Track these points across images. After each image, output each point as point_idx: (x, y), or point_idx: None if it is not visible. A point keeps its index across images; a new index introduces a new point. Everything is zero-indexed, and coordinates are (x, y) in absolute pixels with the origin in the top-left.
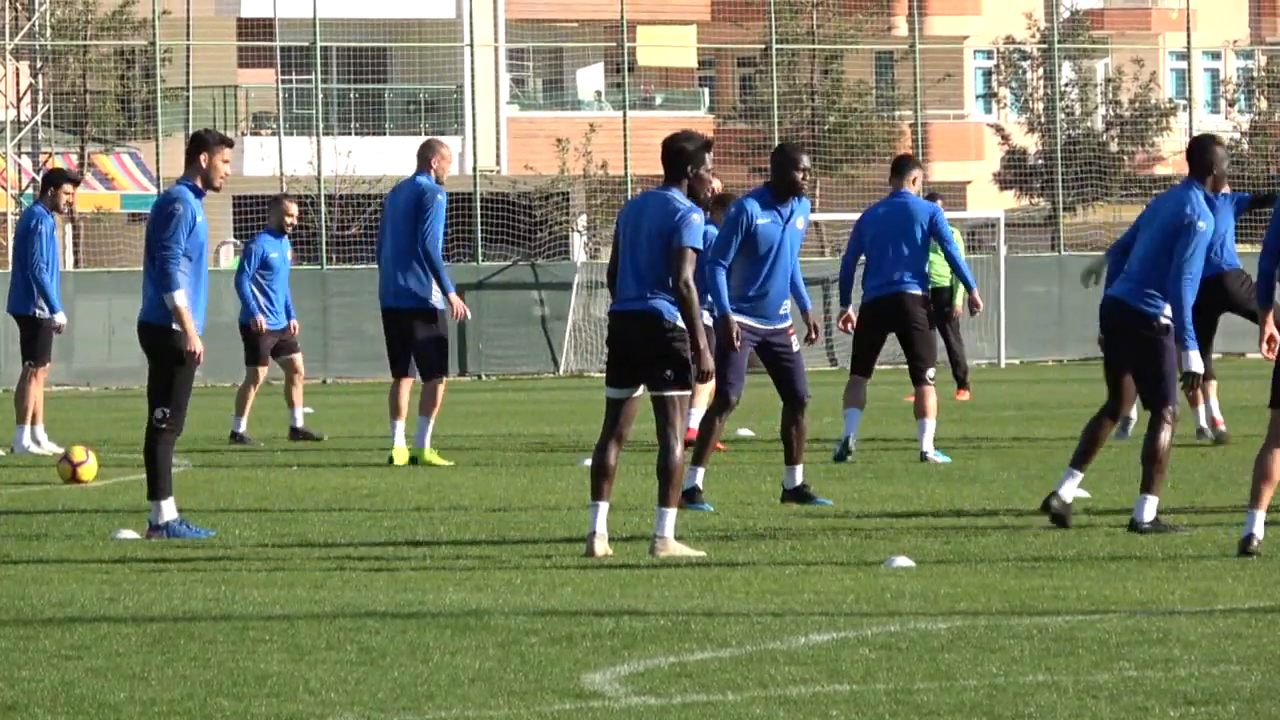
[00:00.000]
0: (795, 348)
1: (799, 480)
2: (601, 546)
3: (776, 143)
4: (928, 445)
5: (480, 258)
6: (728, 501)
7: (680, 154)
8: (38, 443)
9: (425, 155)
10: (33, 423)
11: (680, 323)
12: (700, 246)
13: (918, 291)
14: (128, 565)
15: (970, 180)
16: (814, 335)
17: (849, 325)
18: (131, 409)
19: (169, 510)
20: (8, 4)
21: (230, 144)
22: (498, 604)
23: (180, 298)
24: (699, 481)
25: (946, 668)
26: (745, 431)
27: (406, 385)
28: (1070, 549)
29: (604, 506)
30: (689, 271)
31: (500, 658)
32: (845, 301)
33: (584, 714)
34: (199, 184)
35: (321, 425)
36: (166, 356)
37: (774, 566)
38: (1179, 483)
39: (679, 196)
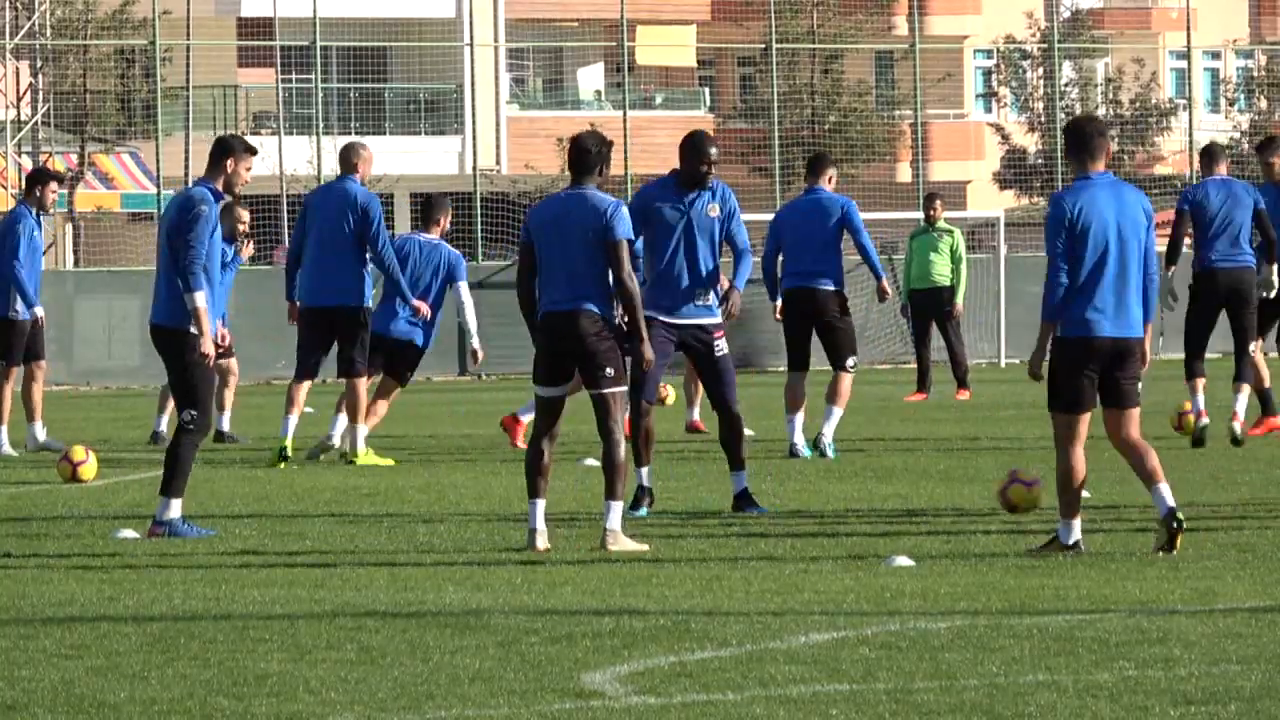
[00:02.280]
0: (722, 350)
1: (744, 485)
2: (542, 542)
3: (777, 143)
4: (828, 433)
5: (480, 257)
6: (727, 501)
7: (588, 153)
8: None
9: (350, 159)
10: None
11: (611, 319)
12: (633, 237)
13: (830, 286)
14: (128, 565)
15: (970, 180)
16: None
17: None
18: (131, 409)
19: (176, 509)
20: (8, 4)
21: (255, 152)
22: (498, 604)
23: (201, 298)
24: (646, 481)
25: (946, 667)
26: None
27: (305, 386)
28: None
29: (541, 504)
30: (627, 263)
31: (500, 657)
32: (774, 296)
33: (584, 714)
34: (219, 187)
35: (321, 425)
36: (180, 358)
37: (774, 566)
38: (1179, 482)
39: (599, 193)
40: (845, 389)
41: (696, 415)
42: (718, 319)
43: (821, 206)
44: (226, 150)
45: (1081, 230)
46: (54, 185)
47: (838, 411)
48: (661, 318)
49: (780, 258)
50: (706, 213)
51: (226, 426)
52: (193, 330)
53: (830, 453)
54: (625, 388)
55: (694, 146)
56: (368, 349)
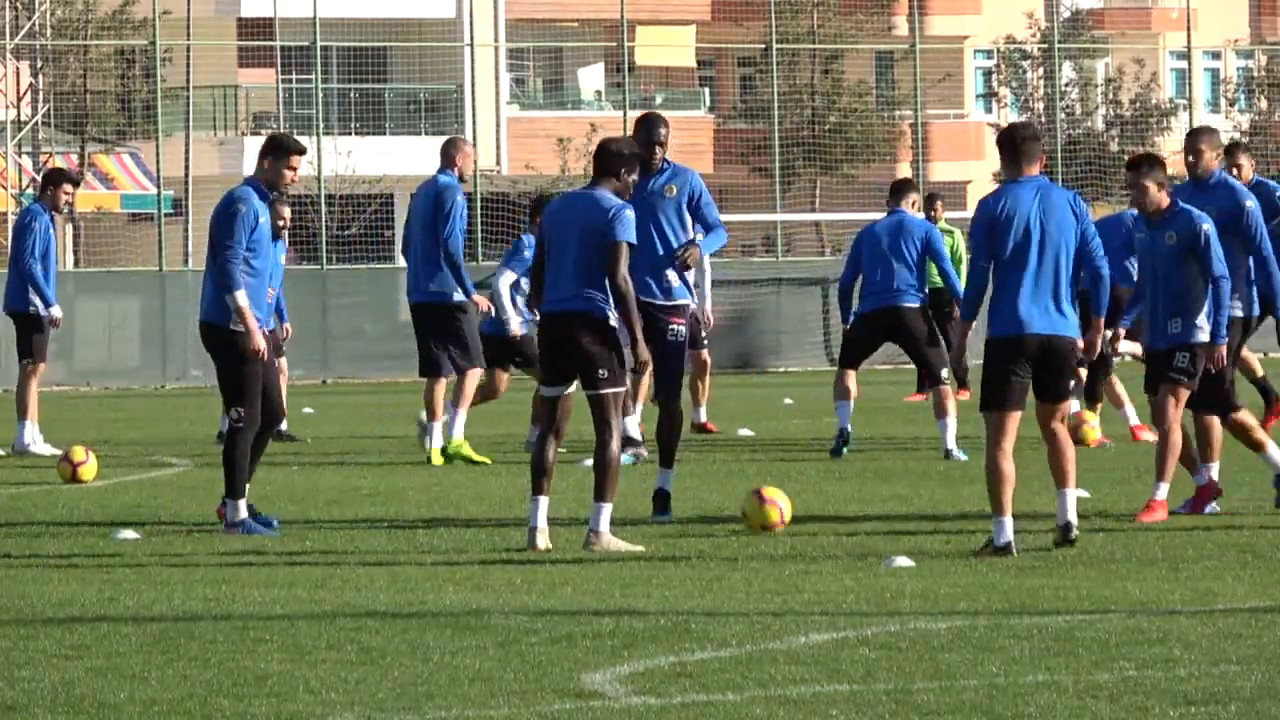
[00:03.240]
0: (675, 335)
1: (666, 485)
2: (543, 541)
3: (777, 143)
4: (950, 443)
5: (481, 257)
6: (727, 502)
7: (619, 156)
8: (34, 441)
9: (449, 152)
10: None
11: (612, 321)
12: (634, 241)
13: (915, 304)
14: (128, 565)
15: (970, 180)
16: None
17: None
18: (131, 409)
19: (243, 510)
20: (8, 4)
21: (303, 151)
22: (498, 604)
23: (241, 297)
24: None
25: (946, 668)
26: (744, 431)
27: (440, 386)
28: (1070, 549)
29: (544, 501)
30: (624, 265)
31: (500, 658)
32: (846, 319)
33: (584, 714)
34: (264, 186)
35: (322, 426)
36: (229, 355)
37: (774, 566)
38: (1179, 481)
39: (608, 195)
40: (946, 399)
41: (704, 415)
42: (677, 301)
43: (905, 228)
44: (265, 149)
45: (1002, 229)
46: (68, 186)
47: (951, 422)
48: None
49: (860, 279)
50: (664, 194)
51: (284, 425)
52: (236, 328)
53: (962, 455)
54: (622, 389)
55: (642, 130)
56: (469, 344)
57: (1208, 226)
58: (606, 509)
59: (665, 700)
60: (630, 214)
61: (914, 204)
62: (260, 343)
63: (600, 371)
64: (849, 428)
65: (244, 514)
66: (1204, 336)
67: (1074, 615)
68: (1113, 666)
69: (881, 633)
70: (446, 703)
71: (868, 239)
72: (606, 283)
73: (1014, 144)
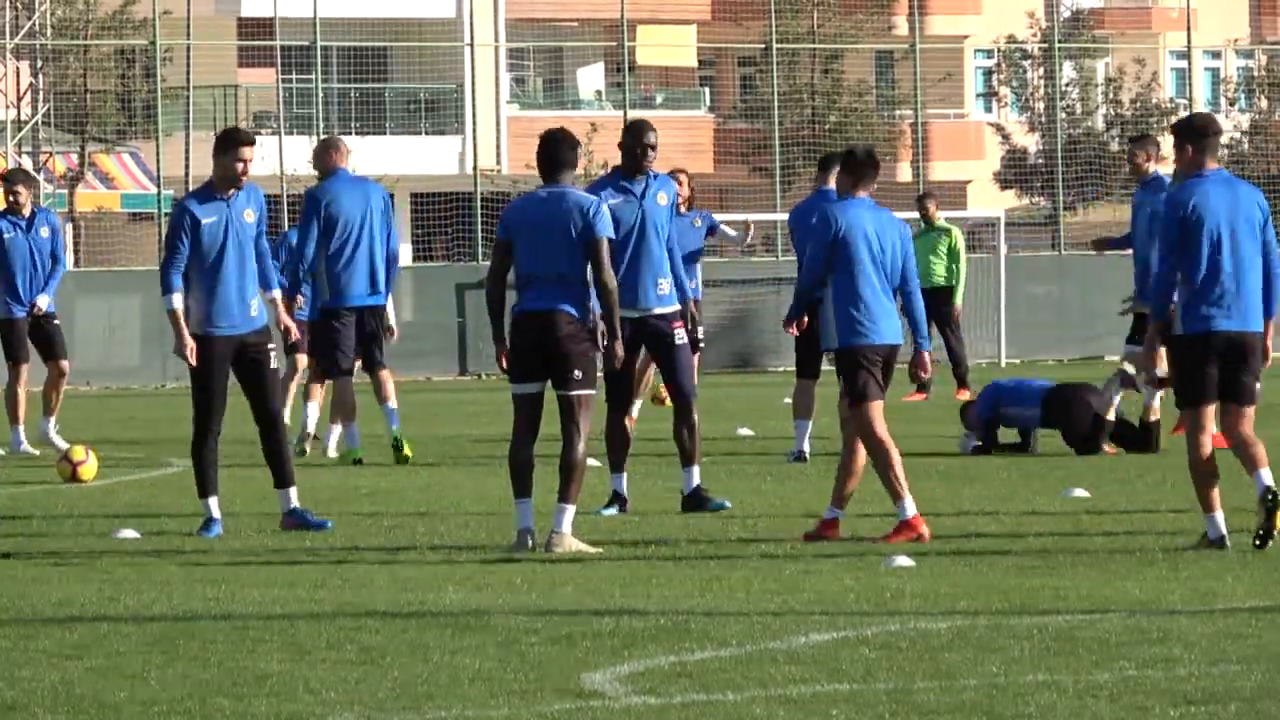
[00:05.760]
0: (681, 339)
1: (695, 482)
2: (534, 541)
3: (777, 143)
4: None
5: (480, 257)
6: (727, 500)
7: (563, 145)
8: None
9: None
10: (43, 416)
11: (587, 322)
12: (614, 235)
13: None
14: (128, 565)
15: (970, 180)
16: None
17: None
18: (131, 409)
19: (295, 496)
20: (8, 3)
21: (251, 142)
22: (498, 604)
23: (176, 300)
24: (622, 488)
25: (946, 667)
26: (744, 431)
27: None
28: (1070, 549)
29: (530, 503)
30: (607, 260)
31: (500, 658)
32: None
33: (584, 714)
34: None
35: (322, 426)
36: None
37: (774, 566)
38: (1178, 481)
39: (578, 191)
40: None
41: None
42: (676, 308)
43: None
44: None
45: (1193, 227)
46: (19, 188)
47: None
48: (623, 313)
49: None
50: (657, 201)
51: (312, 427)
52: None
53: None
54: (593, 391)
55: (632, 133)
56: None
57: None
58: (570, 510)
59: (665, 700)
60: (606, 209)
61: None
62: (185, 349)
63: (575, 373)
64: (805, 449)
65: (296, 502)
66: None
67: (1074, 615)
68: (1113, 666)
69: (881, 633)
70: (446, 703)
71: None
72: (585, 282)
73: (1199, 135)
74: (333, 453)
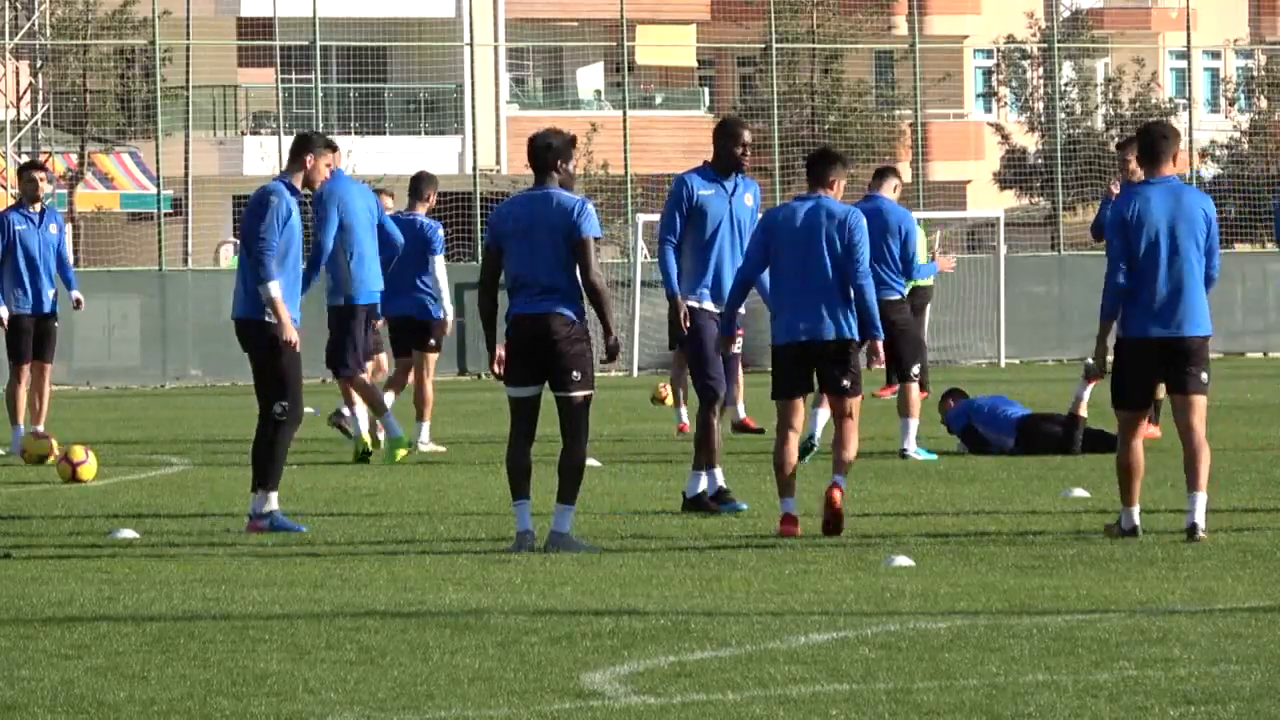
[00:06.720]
0: (738, 346)
1: (720, 483)
2: (533, 542)
3: (777, 143)
4: (910, 445)
5: (480, 257)
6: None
7: (548, 149)
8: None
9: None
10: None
11: (582, 323)
12: (600, 235)
13: (895, 296)
14: (128, 565)
15: (970, 180)
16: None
17: None
18: (131, 409)
19: (274, 501)
20: (8, 3)
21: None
22: (498, 604)
23: (274, 288)
24: (721, 482)
25: (946, 667)
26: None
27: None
28: (1070, 549)
29: (528, 504)
30: (594, 260)
31: (500, 657)
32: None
33: (584, 713)
34: (297, 183)
35: (322, 425)
36: (265, 350)
37: (774, 566)
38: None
39: (564, 192)
40: (913, 400)
41: (743, 412)
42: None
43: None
44: (305, 146)
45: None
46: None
47: (913, 423)
48: (709, 305)
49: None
50: (744, 202)
51: (347, 411)
52: (270, 320)
53: (921, 455)
54: (592, 391)
55: (727, 132)
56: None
57: None
58: (570, 511)
59: (665, 700)
60: (592, 208)
61: (895, 189)
62: (293, 334)
63: (573, 374)
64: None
65: (274, 506)
66: None
67: (1074, 615)
68: (1113, 666)
69: (881, 633)
70: (446, 703)
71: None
72: (578, 282)
73: (1144, 146)
74: (426, 445)
